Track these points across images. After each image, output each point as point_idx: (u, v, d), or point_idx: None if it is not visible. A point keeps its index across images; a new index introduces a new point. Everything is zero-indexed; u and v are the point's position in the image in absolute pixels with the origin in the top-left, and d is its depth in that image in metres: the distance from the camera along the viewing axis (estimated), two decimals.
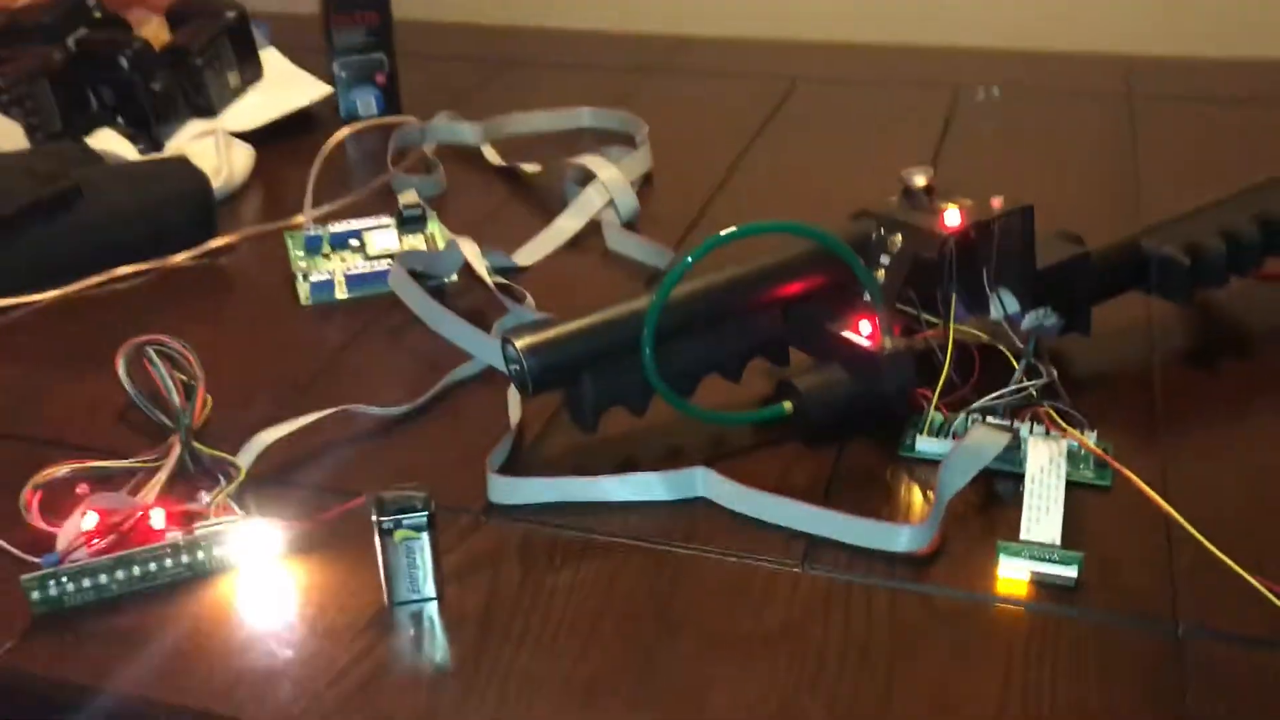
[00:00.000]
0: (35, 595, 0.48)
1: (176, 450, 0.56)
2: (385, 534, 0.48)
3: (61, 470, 0.55)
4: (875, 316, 0.57)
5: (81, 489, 0.54)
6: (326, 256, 0.74)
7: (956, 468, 0.51)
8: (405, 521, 0.47)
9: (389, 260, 0.72)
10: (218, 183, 0.85)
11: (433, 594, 0.49)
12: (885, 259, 0.59)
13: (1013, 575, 0.49)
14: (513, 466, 0.57)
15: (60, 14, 0.93)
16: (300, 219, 0.79)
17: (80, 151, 0.83)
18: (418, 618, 0.48)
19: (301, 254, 0.75)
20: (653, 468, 0.55)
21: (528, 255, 0.77)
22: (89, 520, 0.51)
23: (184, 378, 0.59)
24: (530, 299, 0.71)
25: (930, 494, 0.54)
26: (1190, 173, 0.87)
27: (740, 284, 0.58)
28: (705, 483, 0.55)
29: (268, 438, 0.57)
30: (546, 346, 0.55)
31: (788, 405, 0.58)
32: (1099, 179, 0.87)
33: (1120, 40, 1.16)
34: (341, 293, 0.72)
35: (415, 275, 0.69)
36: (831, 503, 0.53)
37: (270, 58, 1.04)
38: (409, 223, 0.76)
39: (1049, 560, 0.49)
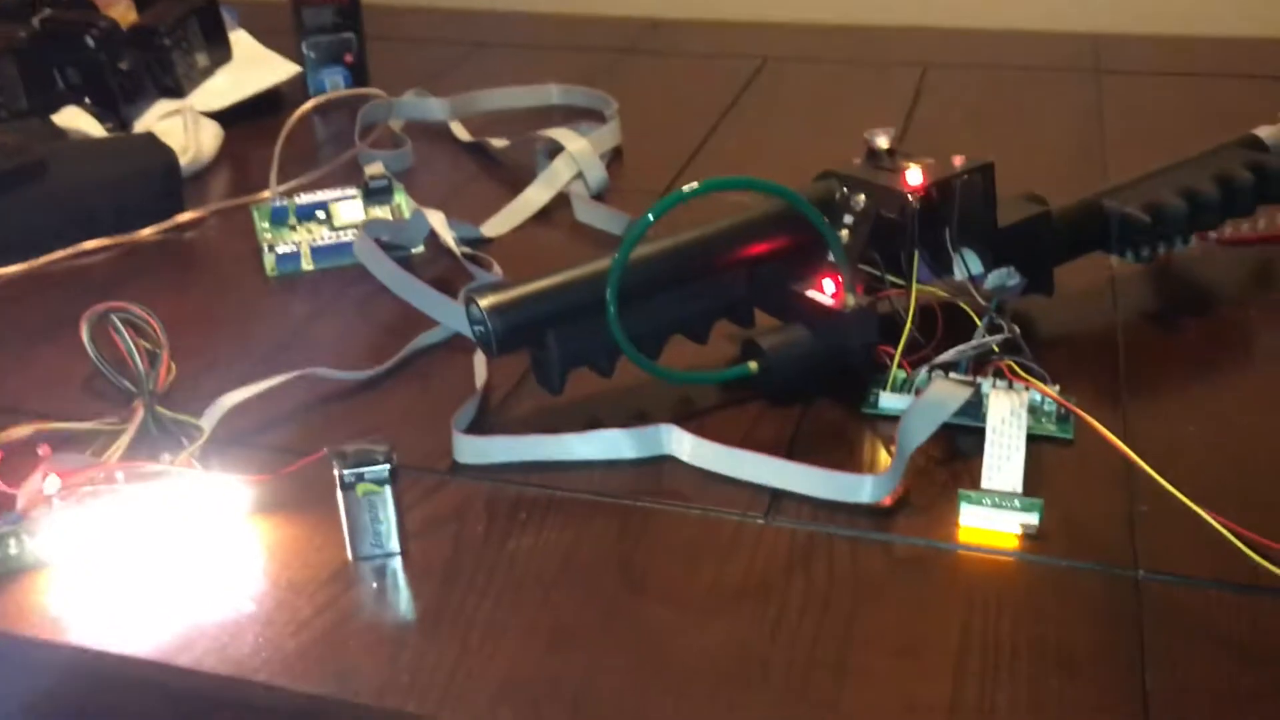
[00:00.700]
0: None
1: (140, 414, 0.56)
2: (347, 487, 0.48)
3: (23, 432, 0.55)
4: (838, 276, 0.57)
5: (43, 450, 0.53)
6: (293, 228, 0.74)
7: (918, 420, 0.52)
8: (367, 475, 0.47)
9: (355, 231, 0.72)
10: (185, 160, 0.85)
11: (396, 549, 0.49)
12: (849, 219, 0.60)
13: (974, 523, 0.50)
14: (479, 428, 0.57)
15: None
16: (267, 193, 0.79)
17: (46, 128, 0.83)
18: (381, 571, 0.48)
19: (267, 226, 0.74)
20: (619, 428, 0.55)
21: (495, 227, 0.77)
22: (51, 482, 0.50)
23: (148, 345, 0.59)
24: (497, 268, 0.71)
25: (893, 449, 0.54)
26: (1155, 145, 0.88)
27: (705, 244, 0.59)
28: (670, 440, 0.55)
29: (231, 400, 0.57)
30: (511, 306, 0.55)
31: (753, 365, 0.58)
32: (1067, 152, 0.88)
33: (1088, 19, 1.17)
34: (308, 264, 0.72)
35: (382, 246, 0.69)
36: (796, 459, 0.53)
37: (240, 39, 1.03)
38: (375, 194, 0.75)
39: (1010, 508, 0.49)
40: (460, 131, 0.93)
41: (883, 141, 0.61)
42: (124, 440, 0.55)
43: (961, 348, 0.56)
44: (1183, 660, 0.43)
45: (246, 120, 0.95)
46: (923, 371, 0.56)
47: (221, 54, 1.00)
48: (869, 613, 0.46)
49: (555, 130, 0.84)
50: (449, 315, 0.63)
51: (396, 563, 0.49)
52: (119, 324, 0.58)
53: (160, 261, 0.76)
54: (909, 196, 0.58)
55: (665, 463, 0.55)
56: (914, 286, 0.58)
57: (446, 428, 0.56)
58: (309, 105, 0.83)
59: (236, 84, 0.98)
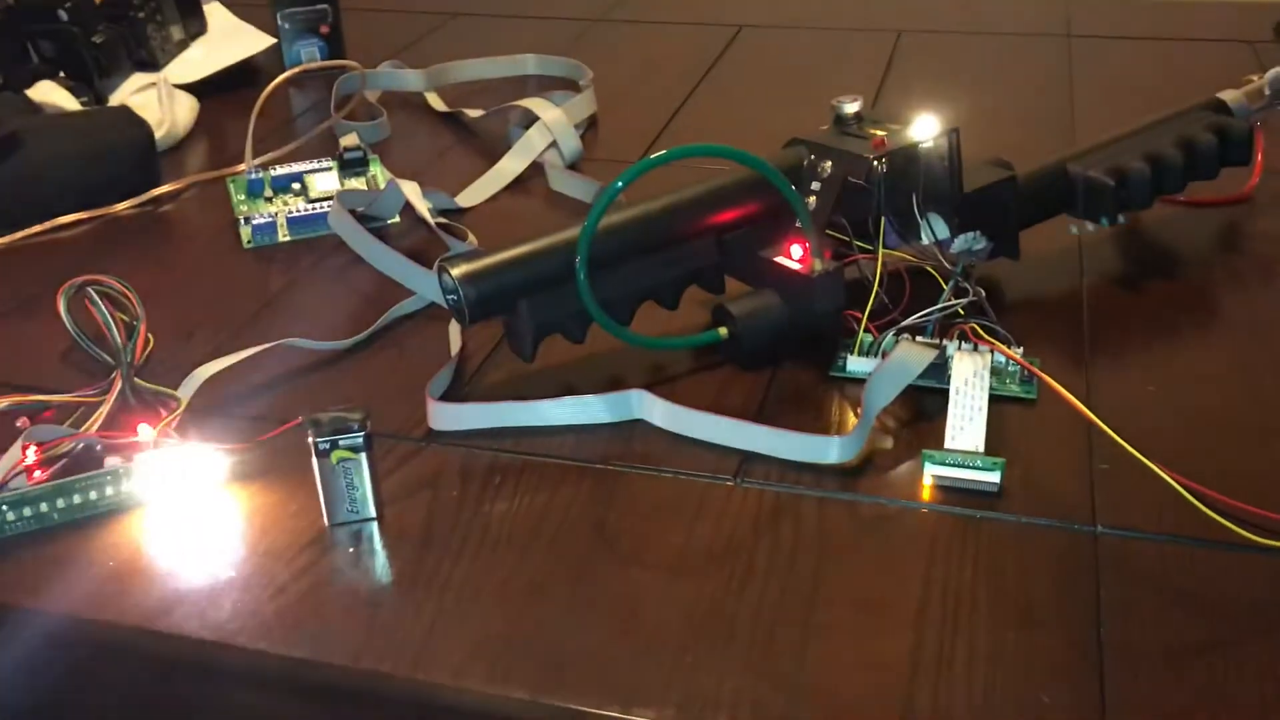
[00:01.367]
0: None
1: (118, 385, 0.57)
2: (322, 454, 0.48)
3: (0, 404, 0.55)
4: (806, 241, 0.58)
5: (21, 422, 0.54)
6: (268, 200, 0.75)
7: (883, 383, 0.53)
8: (342, 442, 0.48)
9: (331, 202, 0.72)
10: (160, 133, 0.85)
11: (372, 514, 0.50)
12: (816, 185, 0.60)
13: (936, 482, 0.51)
14: (454, 396, 0.58)
15: None
16: (242, 166, 0.80)
17: (21, 102, 0.83)
18: (357, 536, 0.49)
19: (243, 198, 0.75)
20: (592, 394, 0.56)
21: (470, 197, 0.77)
22: (29, 452, 0.51)
23: (125, 317, 0.60)
24: (472, 237, 0.71)
25: (860, 411, 0.55)
26: (1124, 108, 0.89)
27: (674, 212, 0.59)
28: (642, 404, 0.56)
29: (208, 371, 0.58)
30: (483, 274, 0.56)
31: (723, 330, 0.59)
32: (1036, 117, 0.89)
33: None
34: (284, 235, 0.73)
35: (357, 217, 0.69)
36: (765, 422, 0.54)
37: (215, 11, 1.03)
38: (350, 165, 0.76)
39: (972, 466, 0.50)
40: (436, 102, 0.93)
41: (850, 108, 0.62)
42: (102, 411, 0.55)
43: (927, 311, 0.57)
44: (1137, 612, 0.44)
45: (222, 93, 0.95)
46: (889, 335, 0.57)
47: (196, 26, 1.00)
48: (834, 570, 0.47)
49: (530, 100, 0.85)
50: (424, 285, 0.63)
51: (372, 528, 0.50)
52: (96, 297, 0.59)
53: (137, 234, 0.76)
54: (875, 162, 0.58)
55: (637, 427, 0.56)
56: (880, 251, 0.59)
57: (422, 395, 0.57)
58: (282, 77, 0.83)
59: (212, 56, 0.98)
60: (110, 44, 0.91)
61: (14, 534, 0.49)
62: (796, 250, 0.59)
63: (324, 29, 1.00)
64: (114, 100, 0.91)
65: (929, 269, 0.60)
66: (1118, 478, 0.51)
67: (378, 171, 0.77)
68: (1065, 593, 0.45)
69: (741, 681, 0.42)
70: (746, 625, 0.44)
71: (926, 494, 0.51)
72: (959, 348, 0.56)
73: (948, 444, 0.51)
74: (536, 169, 0.81)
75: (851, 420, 0.56)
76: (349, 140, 0.77)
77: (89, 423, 0.55)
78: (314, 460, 0.48)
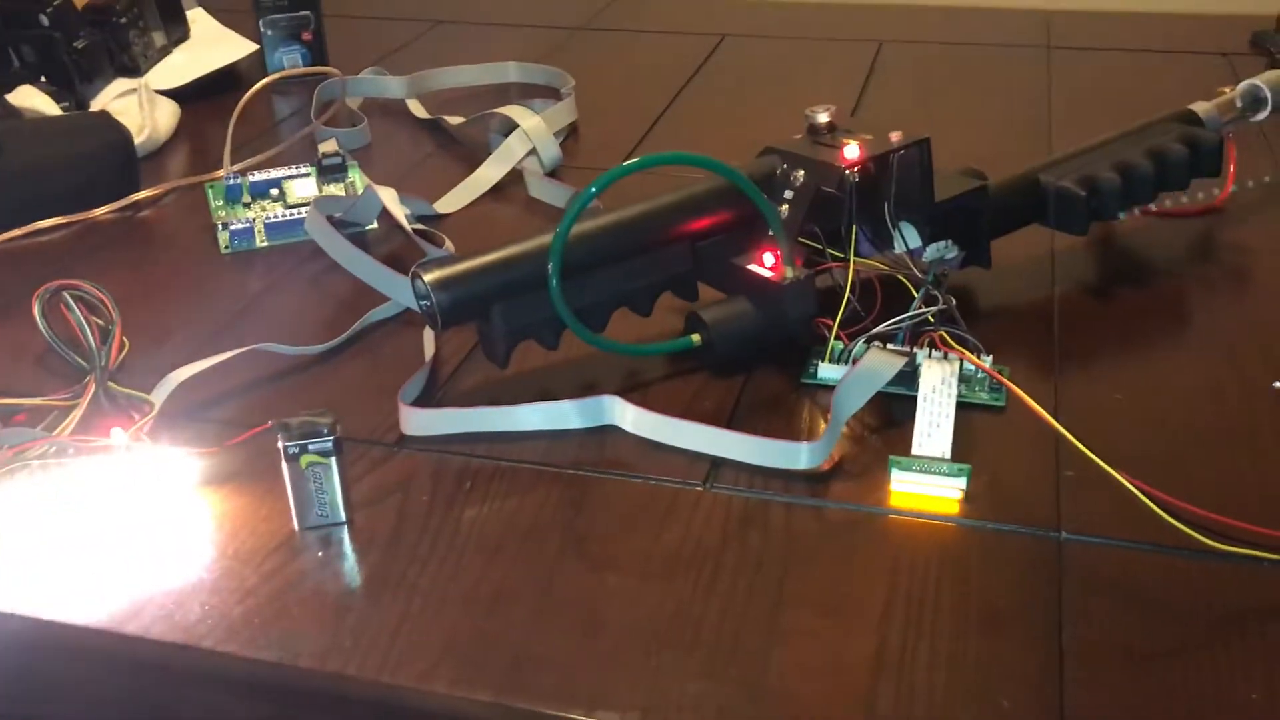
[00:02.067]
0: None
1: (92, 389, 0.57)
2: (291, 459, 0.49)
3: None
4: (778, 249, 0.58)
5: None
6: (246, 205, 0.75)
7: (852, 389, 0.53)
8: (311, 446, 0.48)
9: (309, 208, 0.72)
10: (141, 139, 0.85)
11: (342, 518, 0.50)
12: (789, 194, 0.61)
13: (903, 488, 0.51)
14: (428, 401, 0.58)
15: None
16: (221, 171, 0.80)
17: (1, 107, 0.83)
18: (327, 540, 0.49)
19: (221, 203, 0.75)
20: (564, 400, 0.56)
21: (449, 203, 0.78)
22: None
23: (100, 322, 0.60)
24: (449, 244, 0.72)
25: (830, 417, 0.56)
26: (1100, 119, 0.89)
27: (648, 219, 0.60)
28: (613, 410, 0.56)
29: (182, 375, 0.58)
30: (455, 281, 0.56)
31: (696, 337, 0.59)
32: (1014, 127, 0.89)
33: None
34: (261, 240, 0.73)
35: (335, 223, 0.69)
36: (736, 428, 0.54)
37: (198, 18, 1.04)
38: (329, 171, 0.76)
39: (938, 473, 0.51)
40: (417, 109, 0.93)
41: (823, 117, 0.62)
42: (76, 415, 0.56)
43: (898, 319, 0.58)
44: (1098, 617, 0.45)
45: (204, 98, 0.95)
46: (859, 343, 0.58)
47: (179, 32, 1.01)
48: (800, 574, 0.47)
49: (510, 108, 0.85)
50: (398, 290, 0.64)
51: (342, 532, 0.50)
52: (71, 301, 0.59)
53: (115, 239, 0.76)
54: (847, 172, 0.59)
55: (609, 433, 0.56)
56: (852, 260, 0.59)
57: (395, 401, 0.57)
58: (262, 83, 0.83)
59: (194, 62, 0.99)
60: (92, 49, 0.92)
61: None
62: (769, 258, 0.59)
63: (306, 36, 1.00)
64: (95, 105, 0.91)
65: (901, 277, 0.60)
66: (1083, 485, 0.51)
67: (356, 178, 0.77)
68: (1028, 598, 0.46)
69: (706, 685, 0.42)
70: (712, 629, 0.45)
71: (894, 499, 0.51)
72: (928, 355, 0.56)
73: (915, 450, 0.52)
74: (516, 176, 0.81)
75: (822, 426, 0.56)
76: (328, 146, 0.78)
77: (62, 426, 0.55)
78: (283, 465, 0.49)
